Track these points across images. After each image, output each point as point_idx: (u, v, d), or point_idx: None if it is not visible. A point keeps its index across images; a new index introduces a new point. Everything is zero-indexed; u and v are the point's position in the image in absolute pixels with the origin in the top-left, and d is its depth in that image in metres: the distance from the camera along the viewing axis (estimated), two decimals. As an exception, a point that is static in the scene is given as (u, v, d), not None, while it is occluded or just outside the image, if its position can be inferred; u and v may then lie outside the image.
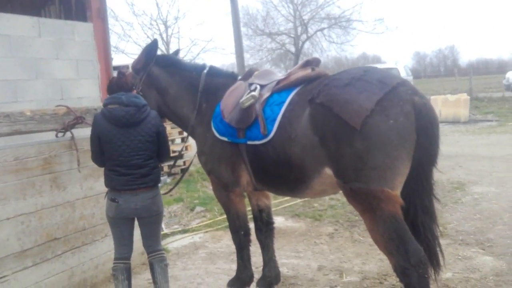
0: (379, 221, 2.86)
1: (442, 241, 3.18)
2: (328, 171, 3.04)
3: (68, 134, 4.23)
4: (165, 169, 8.78)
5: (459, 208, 6.27)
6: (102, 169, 3.74)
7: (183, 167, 9.46)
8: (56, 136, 4.18)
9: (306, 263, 4.77)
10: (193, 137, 4.04)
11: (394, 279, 3.99)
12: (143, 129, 3.50)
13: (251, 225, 4.06)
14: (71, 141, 4.24)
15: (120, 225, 3.58)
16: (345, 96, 2.89)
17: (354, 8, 33.07)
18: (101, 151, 3.51)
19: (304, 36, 33.14)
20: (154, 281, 3.66)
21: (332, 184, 3.11)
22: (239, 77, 3.96)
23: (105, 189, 4.26)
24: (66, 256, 4.25)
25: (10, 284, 3.75)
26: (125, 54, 24.46)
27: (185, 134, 4.24)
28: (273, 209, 4.39)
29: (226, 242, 5.50)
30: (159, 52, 4.29)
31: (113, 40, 24.59)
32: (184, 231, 6.12)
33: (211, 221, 6.44)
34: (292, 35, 33.59)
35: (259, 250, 4.21)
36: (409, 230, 2.88)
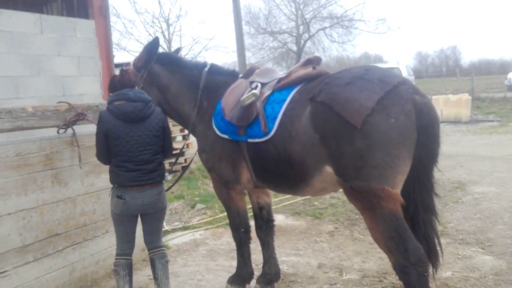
0: (379, 219, 2.87)
1: (442, 240, 3.19)
2: (328, 169, 3.05)
3: (69, 130, 4.25)
4: (166, 166, 8.78)
5: (460, 207, 6.27)
6: (103, 165, 3.76)
7: (184, 164, 9.48)
8: (58, 132, 4.20)
9: (306, 260, 4.78)
10: (194, 134, 4.05)
11: (393, 278, 4.00)
12: (150, 124, 3.54)
13: (252, 223, 4.07)
14: (73, 138, 4.26)
15: (126, 222, 3.60)
16: (346, 95, 2.90)
17: (357, 7, 33.08)
18: (108, 148, 3.52)
19: (306, 35, 33.15)
20: (155, 277, 3.68)
21: (332, 182, 3.12)
22: (240, 75, 3.97)
23: (106, 185, 4.27)
24: (67, 252, 4.27)
25: (11, 279, 3.77)
26: (127, 52, 24.51)
27: (186, 131, 4.25)
28: (273, 207, 4.40)
29: (226, 239, 5.51)
30: (160, 50, 4.30)
31: (115, 37, 24.67)
32: (185, 228, 6.14)
33: (211, 218, 6.46)
34: (294, 34, 33.60)
35: (259, 248, 4.22)
36: (409, 229, 2.89)
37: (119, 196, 3.51)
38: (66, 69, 5.49)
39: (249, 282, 4.08)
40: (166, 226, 6.12)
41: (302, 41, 33.28)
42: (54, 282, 4.14)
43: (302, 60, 3.75)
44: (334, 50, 36.99)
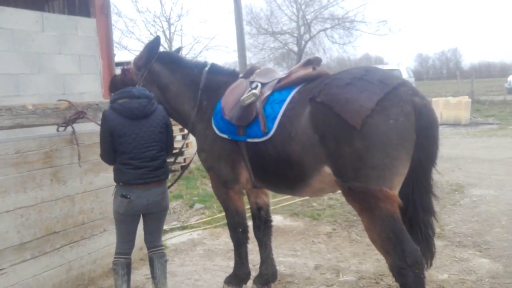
0: (376, 220, 2.88)
1: (440, 243, 3.21)
2: (327, 169, 3.05)
3: (69, 128, 4.24)
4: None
5: (458, 210, 6.28)
6: (102, 164, 3.75)
7: (183, 164, 9.48)
8: (57, 130, 4.20)
9: (303, 261, 4.79)
10: (193, 134, 4.06)
11: (390, 279, 4.00)
12: (155, 120, 3.56)
13: (249, 223, 4.07)
14: (72, 136, 4.26)
15: (129, 222, 3.59)
16: (346, 96, 2.91)
17: (358, 9, 33.13)
18: (113, 147, 3.50)
19: (307, 36, 33.18)
20: (153, 276, 3.68)
21: (331, 182, 3.12)
22: (241, 75, 3.97)
23: (105, 184, 4.27)
24: (64, 250, 4.27)
25: (9, 276, 3.77)
26: (128, 50, 24.57)
27: (185, 131, 4.26)
28: (271, 207, 4.40)
29: (224, 240, 5.52)
30: (161, 49, 4.31)
31: (116, 36, 24.66)
32: (183, 228, 6.15)
33: (210, 218, 6.46)
34: (295, 35, 33.65)
35: (257, 248, 4.22)
36: (406, 230, 2.90)
37: (124, 196, 3.48)
38: (66, 67, 5.50)
39: (246, 283, 4.08)
40: (164, 226, 6.12)
41: (303, 42, 33.32)
42: (51, 280, 4.14)
43: (302, 61, 3.75)
44: (335, 51, 37.06)
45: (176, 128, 9.54)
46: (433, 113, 2.97)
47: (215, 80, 3.95)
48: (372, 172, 2.81)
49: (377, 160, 2.79)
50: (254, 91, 3.49)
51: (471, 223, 5.71)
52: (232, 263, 4.19)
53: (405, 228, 2.91)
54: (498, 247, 4.86)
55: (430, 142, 2.93)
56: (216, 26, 67.54)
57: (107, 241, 4.62)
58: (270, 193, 4.21)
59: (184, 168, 4.47)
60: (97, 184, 4.54)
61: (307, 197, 6.70)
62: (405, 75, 21.97)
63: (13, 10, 5.01)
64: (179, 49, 4.74)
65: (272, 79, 3.60)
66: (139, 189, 3.49)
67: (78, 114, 4.23)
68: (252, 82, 3.65)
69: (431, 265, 3.14)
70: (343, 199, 3.65)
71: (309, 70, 3.46)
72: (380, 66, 18.18)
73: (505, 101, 21.81)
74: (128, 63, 4.02)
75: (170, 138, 3.74)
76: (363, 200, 2.90)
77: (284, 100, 3.34)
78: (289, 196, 6.53)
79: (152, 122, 3.55)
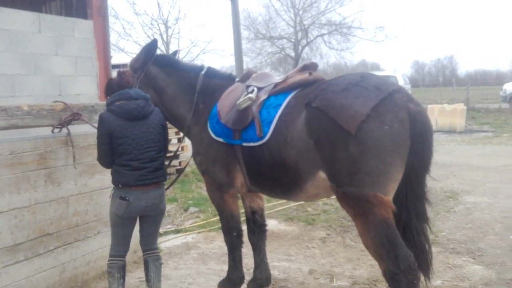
0: (370, 226, 2.89)
1: (433, 249, 3.22)
2: (322, 174, 3.06)
3: (64, 130, 4.24)
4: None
5: (451, 217, 6.30)
6: (97, 166, 3.74)
7: (178, 167, 9.46)
8: (53, 131, 4.19)
9: (297, 266, 4.79)
10: (189, 137, 4.06)
11: (383, 285, 4.01)
12: (153, 121, 3.57)
13: (244, 227, 4.07)
14: (67, 137, 4.25)
15: (126, 224, 3.58)
16: (341, 101, 2.92)
17: (355, 15, 33.28)
18: (111, 150, 3.49)
19: (304, 41, 33.29)
20: (147, 279, 3.66)
21: (325, 187, 3.13)
22: (237, 79, 3.98)
23: (100, 186, 4.26)
24: (58, 252, 4.25)
25: (1, 277, 3.75)
26: (125, 53, 24.53)
27: (181, 134, 4.26)
28: (266, 212, 4.40)
29: (218, 243, 5.51)
30: (158, 52, 4.31)
31: (113, 38, 24.69)
32: (177, 231, 6.13)
33: (204, 222, 6.45)
34: (292, 40, 33.74)
35: (251, 252, 4.22)
36: (400, 236, 2.91)
37: (123, 198, 3.46)
38: (63, 69, 5.48)
39: (239, 286, 4.08)
40: (158, 228, 6.10)
41: (300, 47, 33.42)
42: (44, 282, 4.12)
43: (299, 66, 3.77)
44: (332, 57, 37.22)
45: (171, 131, 9.54)
46: (428, 119, 2.99)
47: (212, 84, 3.95)
48: (366, 178, 2.83)
49: (372, 165, 2.80)
50: (250, 95, 3.50)
51: (465, 230, 5.74)
52: (226, 267, 4.19)
53: (399, 233, 2.92)
54: (492, 254, 4.88)
55: (424, 148, 2.94)
56: (213, 30, 67.68)
57: (101, 243, 4.60)
58: (265, 197, 4.21)
59: (180, 171, 4.46)
60: (92, 186, 4.53)
61: (302, 202, 6.70)
62: (401, 82, 22.04)
63: (10, 10, 4.99)
64: (176, 52, 4.74)
65: (268, 83, 3.62)
66: (138, 191, 3.48)
67: (73, 115, 4.23)
68: (248, 86, 3.66)
69: (429, 272, 3.12)
70: (337, 204, 3.66)
71: (305, 75, 3.48)
72: (377, 73, 18.31)
73: (500, 109, 21.93)
74: (124, 65, 4.01)
75: (166, 140, 3.74)
76: (358, 205, 2.91)
77: (280, 105, 3.35)
78: (284, 201, 6.54)
79: (150, 123, 3.55)
